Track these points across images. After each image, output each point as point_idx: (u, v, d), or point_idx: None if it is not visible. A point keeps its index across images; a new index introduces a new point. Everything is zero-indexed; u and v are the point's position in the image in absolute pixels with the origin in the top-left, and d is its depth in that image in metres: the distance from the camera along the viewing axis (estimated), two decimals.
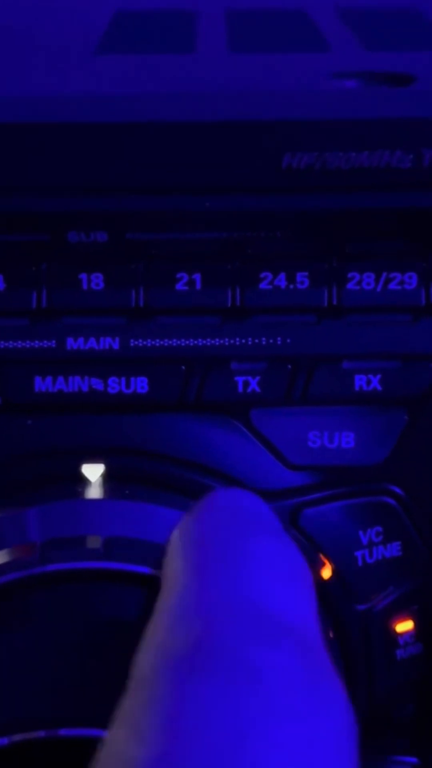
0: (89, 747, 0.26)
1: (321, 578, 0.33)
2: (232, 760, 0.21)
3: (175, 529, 0.28)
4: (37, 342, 0.32)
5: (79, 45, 0.44)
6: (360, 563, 0.33)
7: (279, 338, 0.32)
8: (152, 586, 0.30)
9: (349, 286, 0.32)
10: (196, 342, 0.32)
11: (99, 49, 0.43)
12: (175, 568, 0.27)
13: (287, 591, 0.26)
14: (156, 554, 0.31)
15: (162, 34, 0.47)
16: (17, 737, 0.26)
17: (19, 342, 0.32)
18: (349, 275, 0.32)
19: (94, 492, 0.32)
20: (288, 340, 0.32)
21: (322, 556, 0.33)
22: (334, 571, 0.33)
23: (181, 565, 0.27)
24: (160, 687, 0.23)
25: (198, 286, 0.32)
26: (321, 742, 0.23)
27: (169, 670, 0.23)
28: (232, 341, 0.32)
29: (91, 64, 0.40)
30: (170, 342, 0.32)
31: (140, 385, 0.33)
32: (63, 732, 0.26)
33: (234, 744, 0.22)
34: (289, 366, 0.33)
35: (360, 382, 0.33)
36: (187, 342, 0.32)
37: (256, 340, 0.32)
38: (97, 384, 0.33)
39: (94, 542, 0.31)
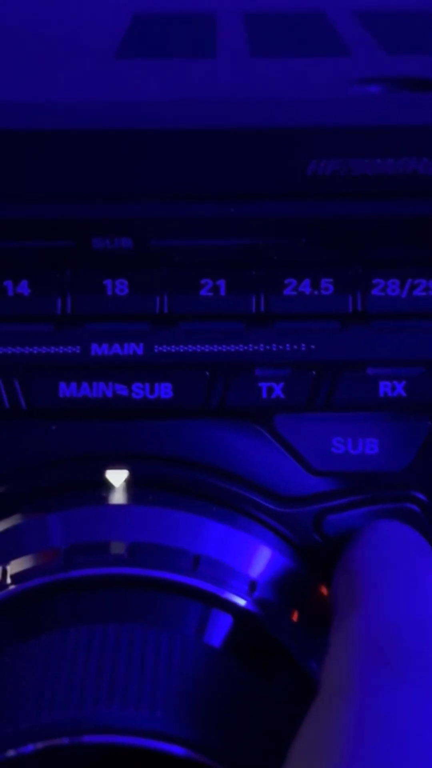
0: (113, 756, 0.26)
1: None
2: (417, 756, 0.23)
3: (348, 551, 0.31)
4: (61, 348, 0.32)
5: (100, 49, 0.44)
6: None
7: (303, 344, 0.32)
8: (177, 590, 0.30)
9: (374, 292, 0.32)
10: (220, 348, 0.32)
11: (119, 54, 0.43)
12: (356, 587, 0.29)
13: None
14: (180, 560, 0.31)
15: (182, 38, 0.47)
16: (41, 744, 0.26)
17: (44, 348, 0.32)
18: (374, 281, 0.32)
19: (118, 497, 0.32)
20: (312, 346, 0.32)
21: None
22: None
23: (363, 585, 0.29)
24: (356, 693, 0.25)
25: (222, 292, 0.32)
26: None
27: (365, 678, 0.25)
28: (256, 347, 0.32)
29: (113, 69, 0.40)
30: (194, 348, 0.32)
31: (164, 390, 0.33)
32: (87, 738, 0.26)
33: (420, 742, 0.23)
34: (314, 372, 0.33)
35: (384, 388, 0.33)
36: (211, 348, 0.32)
37: (281, 346, 0.32)
38: (121, 390, 0.33)
39: (118, 548, 0.31)
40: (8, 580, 0.30)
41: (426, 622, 0.27)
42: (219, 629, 0.30)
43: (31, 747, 0.26)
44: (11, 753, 0.26)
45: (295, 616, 0.32)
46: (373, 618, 0.27)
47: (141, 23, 0.50)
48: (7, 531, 0.32)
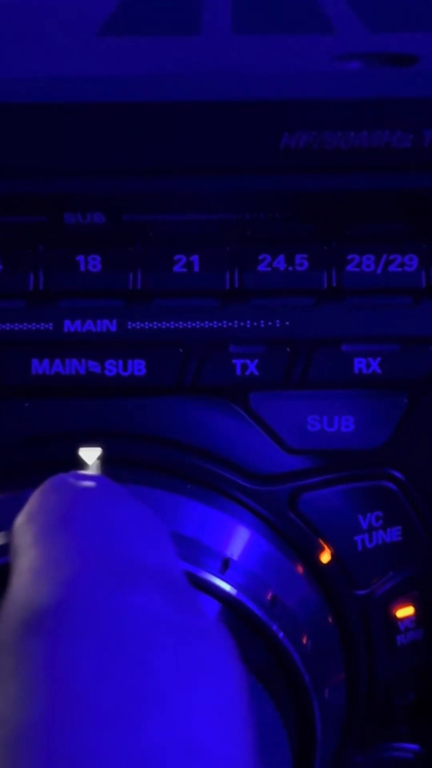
0: None
1: (320, 563, 0.33)
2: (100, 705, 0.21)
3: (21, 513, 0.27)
4: (34, 324, 0.32)
5: (84, 27, 0.43)
6: (360, 548, 0.33)
7: (278, 321, 0.32)
8: None
9: (349, 268, 0.32)
10: (194, 324, 0.32)
11: (102, 31, 0.43)
12: (24, 541, 0.26)
13: (144, 539, 0.25)
14: None
15: (168, 16, 0.46)
16: None
17: (16, 324, 0.32)
18: (349, 257, 0.32)
19: None
20: (287, 323, 0.32)
21: (321, 541, 0.33)
22: (333, 556, 0.33)
23: (30, 536, 0.26)
24: (17, 652, 0.22)
25: (196, 269, 0.32)
26: (197, 670, 0.23)
27: (22, 634, 0.23)
28: (230, 324, 0.32)
29: (93, 45, 0.40)
30: (168, 324, 0.32)
31: (138, 367, 0.32)
32: None
33: (88, 687, 0.21)
34: (288, 349, 0.32)
35: (359, 365, 0.32)
36: (185, 324, 0.32)
37: (255, 323, 0.32)
38: (94, 367, 0.32)
39: None
40: None
41: (101, 554, 0.24)
42: None
43: None
44: None
45: (269, 595, 0.32)
46: (35, 564, 0.24)
47: (129, 1, 0.49)
48: None
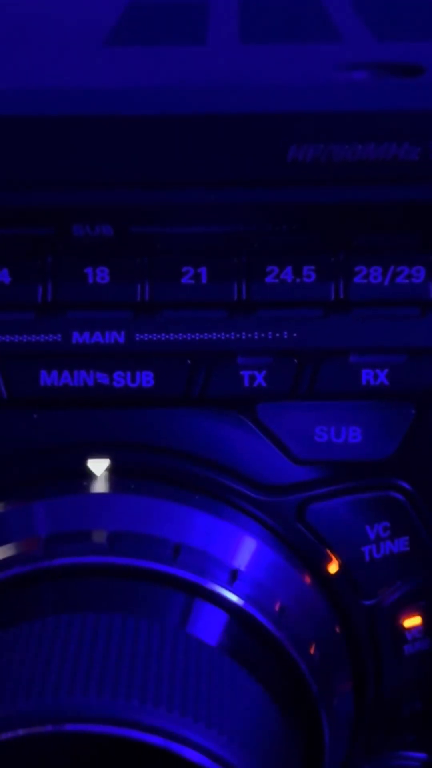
0: (85, 749, 0.26)
1: (327, 573, 0.33)
2: None
3: None
4: (42, 336, 0.32)
5: (90, 37, 0.44)
6: (367, 558, 0.33)
7: (285, 332, 0.32)
8: (158, 579, 0.30)
9: (356, 279, 0.32)
10: (201, 336, 0.32)
11: (108, 41, 0.43)
12: None
13: None
14: (160, 549, 0.31)
15: (174, 26, 0.46)
16: (22, 731, 0.26)
17: (25, 336, 0.32)
18: (356, 269, 0.32)
19: (100, 486, 0.32)
20: (294, 334, 0.32)
21: (328, 551, 0.33)
22: (340, 566, 0.33)
23: None
24: None
25: (204, 280, 0.32)
26: None
27: None
28: (238, 335, 0.32)
29: (99, 56, 0.40)
30: (176, 336, 0.32)
31: (146, 379, 0.32)
32: (70, 727, 0.26)
33: None
34: (296, 360, 0.32)
35: (367, 376, 0.32)
36: (193, 336, 0.32)
37: (263, 334, 0.32)
38: (102, 378, 0.32)
39: (98, 537, 0.31)
40: None
41: None
42: (201, 619, 0.30)
43: (9, 734, 0.26)
44: None
45: (277, 606, 0.32)
46: None
47: (135, 10, 0.49)
48: None
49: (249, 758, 0.27)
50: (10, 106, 0.31)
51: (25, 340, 0.32)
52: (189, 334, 0.32)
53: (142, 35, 0.45)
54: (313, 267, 0.32)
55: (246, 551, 0.32)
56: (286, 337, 0.32)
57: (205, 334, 0.32)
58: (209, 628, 0.30)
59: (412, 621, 0.34)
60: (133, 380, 0.32)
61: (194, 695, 0.27)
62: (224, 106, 0.31)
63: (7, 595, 0.30)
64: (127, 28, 0.46)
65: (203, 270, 0.32)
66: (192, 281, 0.32)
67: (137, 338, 0.32)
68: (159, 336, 0.32)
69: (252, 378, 0.32)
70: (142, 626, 0.28)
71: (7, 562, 0.30)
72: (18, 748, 0.26)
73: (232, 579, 0.31)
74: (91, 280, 0.32)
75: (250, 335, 0.32)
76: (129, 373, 0.32)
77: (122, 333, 0.32)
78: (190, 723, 0.26)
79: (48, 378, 0.32)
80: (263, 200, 0.31)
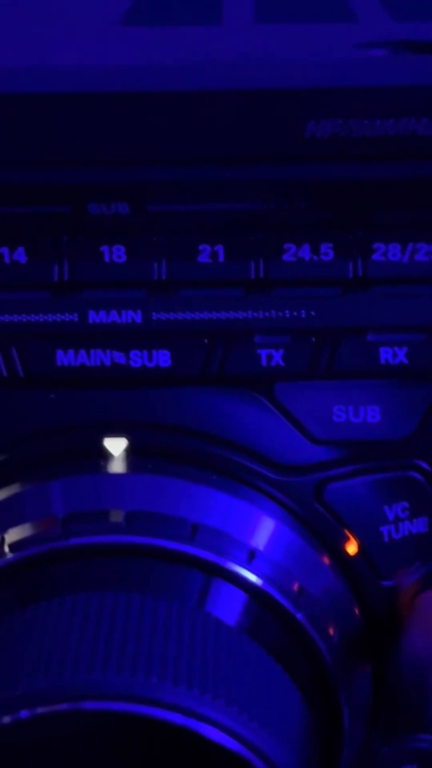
0: (116, 725, 0.26)
1: (346, 554, 0.33)
2: None
3: None
4: (59, 315, 0.32)
5: (106, 17, 0.43)
6: (386, 539, 0.33)
7: (303, 311, 0.32)
8: (176, 558, 0.30)
9: (375, 257, 0.32)
10: (219, 315, 0.32)
11: (124, 21, 0.42)
12: None
13: None
14: (177, 528, 0.30)
15: (189, 7, 0.46)
16: (41, 709, 0.26)
17: (41, 315, 0.32)
18: (375, 246, 0.32)
19: (117, 466, 0.32)
20: (312, 313, 0.32)
21: (346, 532, 0.33)
22: (359, 547, 0.33)
23: None
24: None
25: (221, 259, 0.32)
26: None
27: None
28: (255, 314, 0.32)
29: (115, 35, 0.40)
30: (193, 315, 0.32)
31: (162, 358, 0.32)
32: (89, 705, 0.26)
33: None
34: (314, 339, 0.32)
35: (386, 355, 0.32)
36: (210, 315, 0.32)
37: (280, 313, 0.32)
38: (119, 358, 0.32)
39: (116, 516, 0.31)
40: (6, 549, 0.30)
41: None
42: (219, 599, 0.30)
43: (25, 713, 0.26)
44: (5, 720, 0.26)
45: (296, 586, 0.31)
46: None
47: None
48: (5, 500, 0.32)
49: (269, 737, 0.27)
50: (26, 83, 0.31)
51: (41, 319, 0.32)
52: (206, 313, 0.32)
53: (158, 16, 0.45)
54: (331, 245, 0.32)
55: (264, 531, 0.32)
56: (303, 315, 0.32)
57: (222, 312, 0.32)
58: (228, 607, 0.30)
59: None
60: (150, 360, 0.32)
61: (214, 674, 0.27)
62: (242, 82, 0.30)
63: (25, 574, 0.30)
64: (142, 9, 0.46)
65: (220, 248, 0.32)
66: (209, 260, 0.32)
67: (154, 317, 0.32)
68: (176, 315, 0.32)
69: (269, 357, 0.32)
70: (160, 605, 0.28)
71: (24, 542, 0.30)
72: (37, 726, 0.26)
73: (251, 559, 0.31)
74: (107, 259, 0.32)
75: (267, 314, 0.32)
76: (146, 353, 0.32)
77: (139, 312, 0.32)
78: (210, 701, 0.26)
79: (64, 357, 0.32)
80: (281, 177, 0.30)
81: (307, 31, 0.42)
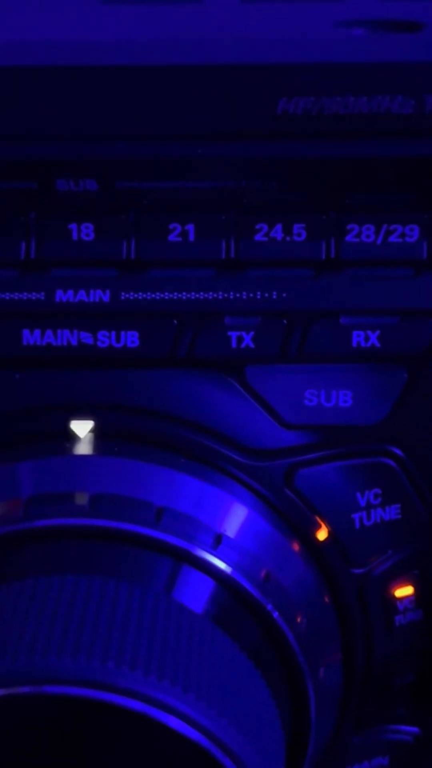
0: (73, 710, 0.26)
1: (316, 541, 0.32)
2: None
3: None
4: (25, 294, 0.31)
5: None
6: (357, 526, 0.32)
7: (274, 292, 0.31)
8: (140, 542, 0.29)
9: (348, 238, 0.31)
10: (188, 295, 0.31)
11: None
12: None
13: None
14: (143, 512, 0.30)
15: None
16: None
17: (7, 294, 0.31)
18: (348, 227, 0.31)
19: (83, 448, 0.32)
20: (284, 295, 0.31)
21: (317, 518, 0.32)
22: (330, 534, 0.32)
23: None
24: None
25: (191, 238, 0.31)
26: None
27: None
28: (225, 295, 0.31)
29: (93, 12, 0.39)
30: (162, 295, 0.31)
31: (131, 339, 0.32)
32: (45, 689, 0.25)
33: None
34: (285, 321, 0.31)
35: (358, 338, 0.32)
36: (180, 295, 0.31)
37: (251, 294, 0.31)
38: (86, 338, 0.32)
39: (80, 499, 0.30)
40: None
41: None
42: (184, 584, 0.29)
43: None
44: None
45: (263, 573, 0.31)
46: None
47: None
48: None
49: (228, 726, 0.26)
50: None
51: (7, 297, 0.31)
52: (176, 294, 0.31)
53: None
54: (303, 225, 0.31)
55: (232, 517, 0.32)
56: (275, 297, 0.31)
57: (192, 293, 0.31)
58: (192, 593, 0.29)
59: (404, 591, 0.33)
60: (118, 340, 0.32)
61: (173, 660, 0.26)
62: (213, 57, 0.30)
63: None
64: None
65: (191, 227, 0.31)
66: (179, 239, 0.31)
67: (122, 297, 0.31)
68: (145, 295, 0.31)
69: (240, 339, 0.32)
70: (122, 589, 0.28)
71: None
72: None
73: (218, 544, 0.30)
74: (75, 237, 0.31)
75: (238, 295, 0.31)
76: (114, 333, 0.32)
77: (107, 292, 0.31)
78: (168, 687, 0.25)
79: (30, 337, 0.32)
80: (252, 154, 0.30)
81: (291, 10, 0.41)
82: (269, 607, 0.30)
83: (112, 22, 0.38)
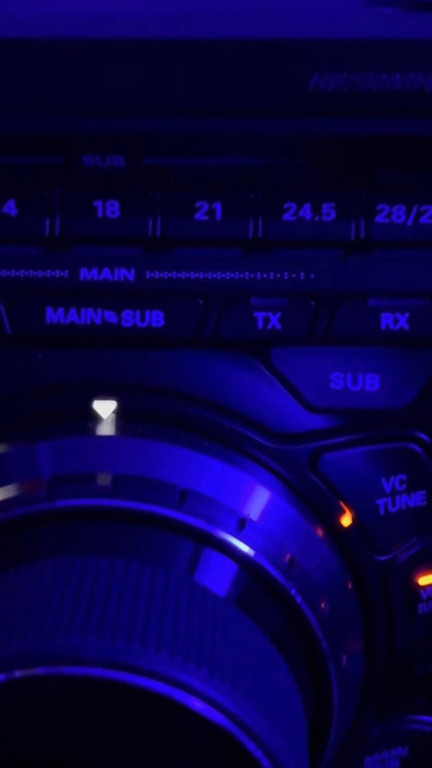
0: (96, 691, 0.25)
1: (340, 526, 0.32)
2: None
3: None
4: (49, 272, 0.31)
5: None
6: (382, 512, 0.32)
7: (302, 273, 0.31)
8: (163, 524, 0.29)
9: (378, 218, 0.31)
10: (215, 275, 0.31)
11: None
12: None
13: None
14: (166, 494, 0.30)
15: None
16: (18, 673, 0.25)
17: (31, 271, 0.31)
18: (378, 207, 0.31)
19: (106, 429, 0.31)
20: (311, 275, 0.31)
21: (342, 504, 0.32)
22: (354, 520, 0.32)
23: None
24: None
25: (218, 216, 0.31)
26: None
27: None
28: (252, 275, 0.31)
29: None
30: (188, 275, 0.31)
31: (155, 319, 0.31)
32: (66, 670, 0.25)
33: None
34: (312, 302, 0.31)
35: (386, 321, 0.31)
36: (206, 275, 0.31)
37: (278, 275, 0.31)
38: (110, 317, 0.31)
39: (102, 479, 0.30)
40: None
41: None
42: (207, 567, 0.29)
43: (2, 677, 0.25)
44: None
45: (287, 557, 0.31)
46: None
47: None
48: None
49: (252, 709, 0.26)
50: (21, 28, 0.30)
51: (31, 275, 0.31)
52: (201, 273, 0.31)
53: None
54: (332, 204, 0.31)
55: (256, 500, 0.31)
56: (302, 278, 0.31)
57: (218, 273, 0.31)
58: (216, 576, 0.29)
59: (428, 579, 0.33)
60: (143, 320, 0.31)
61: (198, 643, 0.26)
62: (243, 31, 0.29)
63: (8, 536, 0.29)
64: None
65: (218, 205, 0.31)
66: (206, 217, 0.31)
67: (147, 276, 0.31)
68: (170, 274, 0.31)
69: (266, 320, 0.31)
70: (145, 571, 0.27)
71: (8, 503, 0.29)
72: (14, 690, 0.25)
73: (241, 527, 0.30)
74: (100, 214, 0.31)
75: (265, 275, 0.31)
76: (138, 312, 0.31)
77: (132, 270, 0.31)
78: (192, 669, 0.25)
79: (54, 315, 0.31)
80: (282, 131, 0.29)
81: None
82: (293, 591, 0.30)
83: None
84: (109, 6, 0.34)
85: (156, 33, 0.29)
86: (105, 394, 0.31)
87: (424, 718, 0.35)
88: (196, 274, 0.31)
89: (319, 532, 0.32)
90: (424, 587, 0.33)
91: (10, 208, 0.31)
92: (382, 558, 0.32)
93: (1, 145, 0.30)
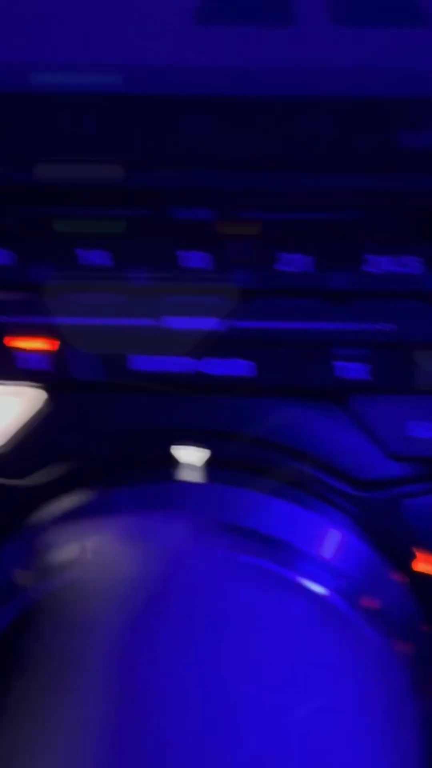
0: None
1: (417, 572, 0.32)
2: None
3: None
4: (135, 320, 0.32)
5: (178, 14, 0.43)
6: None
7: (384, 324, 0.31)
8: None
9: None
10: (298, 325, 0.31)
11: (198, 19, 0.42)
12: None
13: None
14: (249, 540, 0.30)
15: (260, 5, 0.45)
16: None
17: (118, 319, 0.32)
18: None
19: (190, 475, 0.32)
20: (393, 326, 0.31)
21: (420, 550, 0.32)
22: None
23: None
24: None
25: (302, 268, 0.31)
26: None
27: None
28: (334, 326, 0.31)
29: (193, 34, 0.39)
30: (271, 324, 0.31)
31: (239, 367, 0.32)
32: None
33: None
34: (394, 353, 0.31)
35: None
36: (289, 325, 0.31)
37: (360, 326, 0.31)
38: (194, 365, 0.32)
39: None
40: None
41: None
42: None
43: None
44: None
45: (365, 602, 0.31)
46: None
47: None
48: (80, 506, 0.31)
49: None
50: (109, 83, 0.31)
51: (118, 323, 0.32)
52: (285, 323, 0.31)
53: (231, 14, 0.44)
54: (416, 257, 0.31)
55: (337, 546, 0.32)
56: (383, 329, 0.31)
57: (302, 323, 0.31)
58: None
59: None
60: (226, 368, 0.32)
61: None
62: (334, 88, 0.30)
63: None
64: (215, 6, 0.45)
65: (303, 258, 0.31)
66: (290, 268, 0.31)
67: (232, 325, 0.32)
68: (254, 324, 0.32)
69: (348, 370, 0.32)
70: None
71: None
72: None
73: (324, 574, 0.30)
74: (187, 264, 0.31)
75: (347, 326, 0.31)
76: (222, 361, 0.32)
77: (216, 320, 0.32)
78: None
79: (141, 363, 0.32)
80: (369, 187, 0.30)
81: (386, 35, 0.41)
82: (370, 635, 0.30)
83: (215, 44, 0.38)
84: (192, 59, 0.34)
85: (246, 90, 0.30)
86: (189, 441, 0.32)
87: None
88: (280, 324, 0.31)
89: (397, 577, 0.32)
90: None
91: (104, 258, 0.31)
92: None
93: (94, 198, 0.30)
